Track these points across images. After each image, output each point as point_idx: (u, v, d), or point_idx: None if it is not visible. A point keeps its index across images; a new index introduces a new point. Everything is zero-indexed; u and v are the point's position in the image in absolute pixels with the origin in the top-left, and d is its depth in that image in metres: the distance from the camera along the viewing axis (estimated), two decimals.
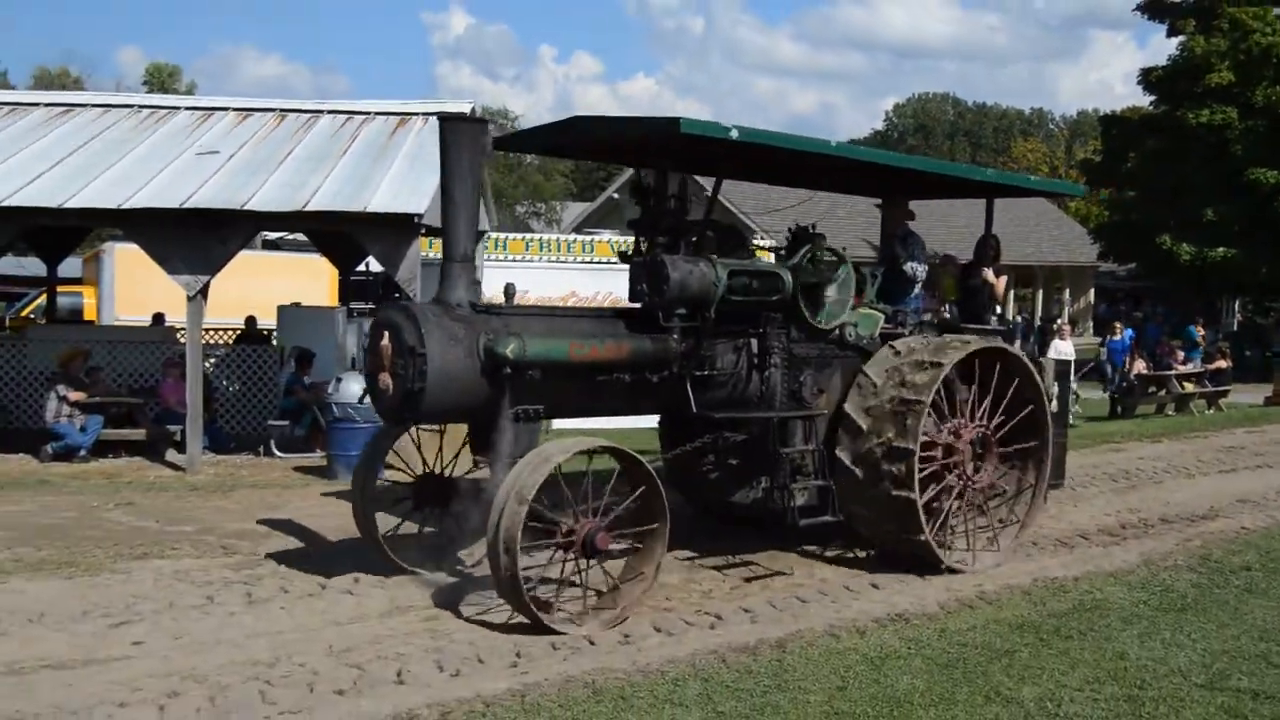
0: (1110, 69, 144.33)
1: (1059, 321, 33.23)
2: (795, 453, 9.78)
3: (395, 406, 8.44)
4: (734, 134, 8.97)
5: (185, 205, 14.40)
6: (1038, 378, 10.73)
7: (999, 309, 12.98)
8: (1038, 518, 11.12)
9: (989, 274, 12.21)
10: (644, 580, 8.55)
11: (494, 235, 20.72)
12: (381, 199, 14.61)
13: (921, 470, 9.68)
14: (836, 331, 10.29)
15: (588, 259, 20.82)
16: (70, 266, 26.74)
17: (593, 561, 8.24)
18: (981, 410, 10.19)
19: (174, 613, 8.40)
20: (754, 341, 9.79)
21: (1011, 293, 46.52)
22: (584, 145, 11.50)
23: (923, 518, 9.59)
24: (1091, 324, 51.69)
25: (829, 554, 10.64)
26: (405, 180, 15.28)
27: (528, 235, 23.17)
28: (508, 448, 8.37)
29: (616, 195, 38.10)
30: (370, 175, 15.39)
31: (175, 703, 6.75)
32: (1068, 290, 52.54)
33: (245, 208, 14.32)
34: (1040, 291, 50.71)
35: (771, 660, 7.62)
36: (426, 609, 8.63)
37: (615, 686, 7.07)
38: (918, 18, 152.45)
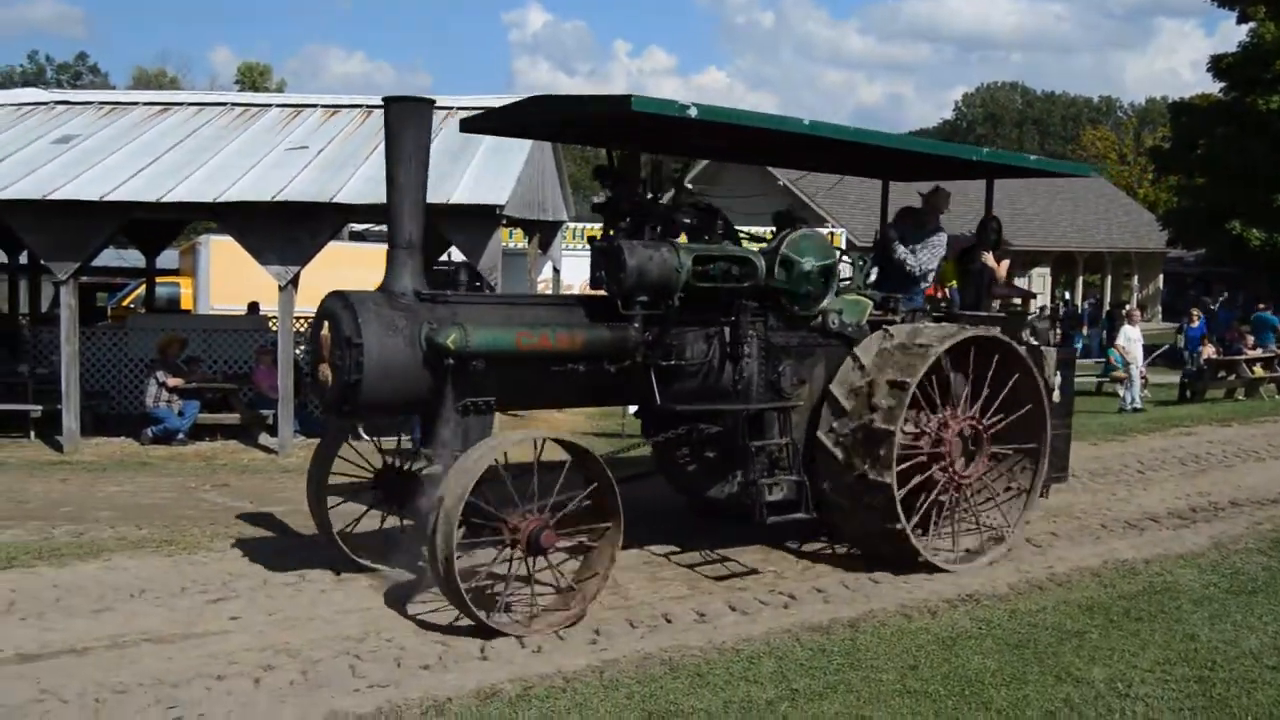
0: (1178, 56, 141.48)
1: (1128, 307, 32.63)
2: (767, 446, 9.08)
3: (334, 400, 7.94)
4: (693, 112, 8.16)
5: (276, 198, 14.56)
6: (1035, 369, 9.91)
7: (1034, 296, 12.49)
8: (1030, 516, 10.26)
9: (989, 258, 11.46)
10: (599, 578, 7.95)
11: (572, 225, 20.73)
12: (464, 191, 14.69)
13: (907, 463, 9.09)
14: (819, 319, 9.55)
15: None
16: (168, 258, 27.24)
17: (539, 560, 7.65)
18: (973, 402, 9.50)
19: (268, 589, 8.52)
20: (727, 330, 9.07)
21: (1047, 278, 45.85)
22: (549, 125, 10.44)
23: (899, 506, 8.85)
24: (1160, 310, 50.85)
25: None
26: (486, 172, 15.33)
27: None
28: (451, 441, 7.88)
29: (690, 185, 38.02)
30: (452, 169, 15.45)
31: (270, 675, 6.86)
32: (1136, 276, 51.63)
33: (333, 200, 14.45)
34: (1109, 278, 49.88)
35: (844, 639, 7.58)
36: None
37: (691, 663, 7.07)
38: (983, 9, 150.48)
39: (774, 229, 9.74)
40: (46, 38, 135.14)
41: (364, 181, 15.03)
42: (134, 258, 27.91)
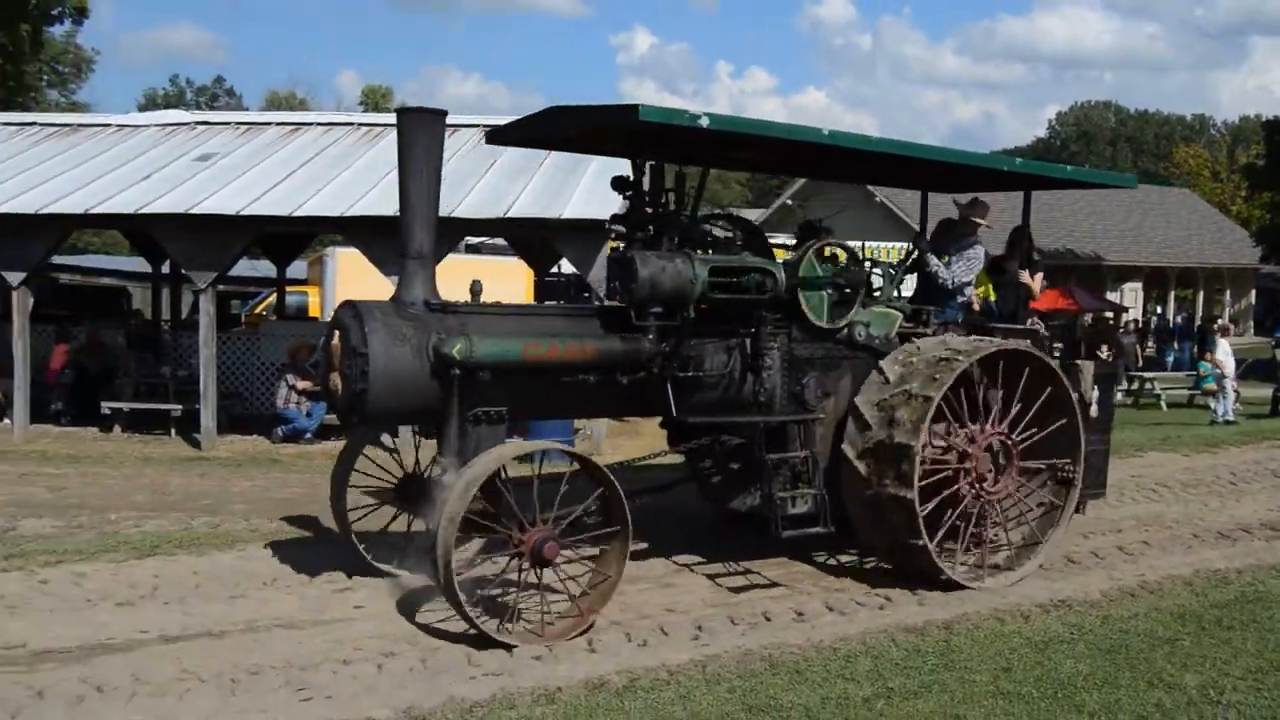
0: (1271, 74, 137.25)
1: (1220, 321, 31.87)
2: (786, 458, 8.63)
3: (344, 408, 7.75)
4: (704, 122, 7.70)
5: (399, 213, 14.80)
6: (1067, 383, 9.23)
7: (1125, 310, 11.97)
8: (1064, 532, 9.55)
9: (1024, 275, 10.84)
10: (607, 588, 7.61)
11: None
12: (575, 206, 14.83)
13: (933, 477, 8.59)
14: (844, 331, 9.03)
15: None
16: (297, 268, 27.81)
17: (544, 570, 7.35)
18: (1003, 416, 8.91)
19: (390, 581, 8.64)
20: (748, 342, 8.65)
21: (1139, 293, 44.83)
22: (569, 137, 9.70)
23: (920, 523, 8.35)
24: (1252, 324, 49.52)
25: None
26: (596, 189, 15.44)
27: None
28: (458, 451, 7.65)
29: (790, 202, 37.96)
30: (564, 185, 15.60)
31: (391, 662, 6.98)
32: (1228, 291, 50.36)
33: (453, 215, 14.65)
34: (1201, 293, 48.72)
35: (939, 640, 7.50)
36: None
37: (790, 660, 7.05)
38: (1077, 29, 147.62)
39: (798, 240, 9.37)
40: (187, 63, 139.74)
41: (481, 197, 15.25)
42: (266, 268, 28.60)
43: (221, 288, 20.51)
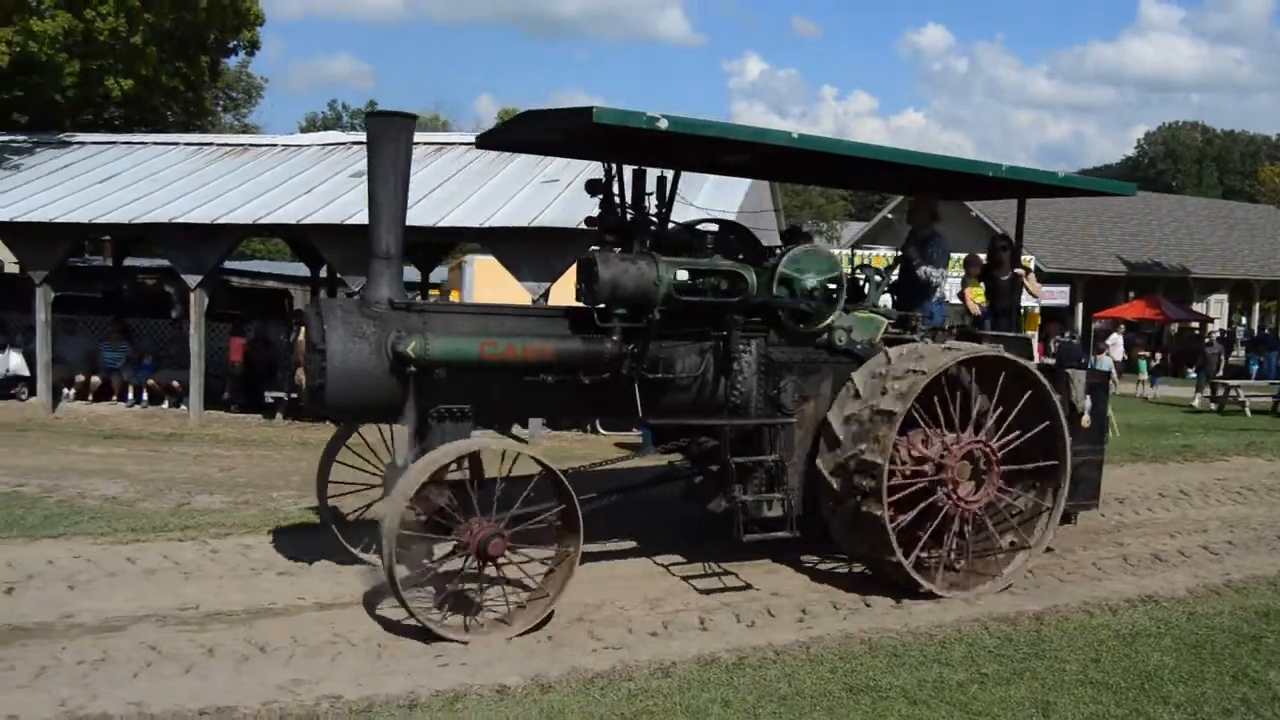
0: None
1: None
2: (758, 461, 8.07)
3: (307, 402, 7.47)
4: (663, 124, 7.15)
5: (532, 224, 14.97)
6: (1048, 386, 8.36)
7: (1211, 320, 11.23)
8: (1048, 541, 8.72)
9: (1023, 276, 10.35)
10: (557, 587, 7.12)
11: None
12: (696, 213, 14.76)
13: (910, 487, 7.91)
14: (825, 336, 8.44)
15: None
16: (438, 274, 28.21)
17: (494, 565, 6.95)
18: (980, 424, 8.15)
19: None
20: (721, 344, 8.09)
21: (1225, 304, 43.27)
22: (550, 140, 9.10)
23: (893, 539, 7.70)
24: None
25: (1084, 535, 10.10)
26: (713, 201, 15.38)
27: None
28: (412, 447, 7.32)
29: (890, 215, 37.38)
30: (687, 194, 15.57)
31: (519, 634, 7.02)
32: None
33: (580, 226, 14.72)
34: None
35: (1030, 630, 7.32)
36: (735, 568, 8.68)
37: (889, 644, 6.94)
38: (1165, 54, 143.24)
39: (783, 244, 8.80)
40: (342, 89, 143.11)
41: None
42: (410, 273, 29.04)
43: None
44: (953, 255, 10.35)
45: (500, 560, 6.92)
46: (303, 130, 55.72)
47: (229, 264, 24.93)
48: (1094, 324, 34.70)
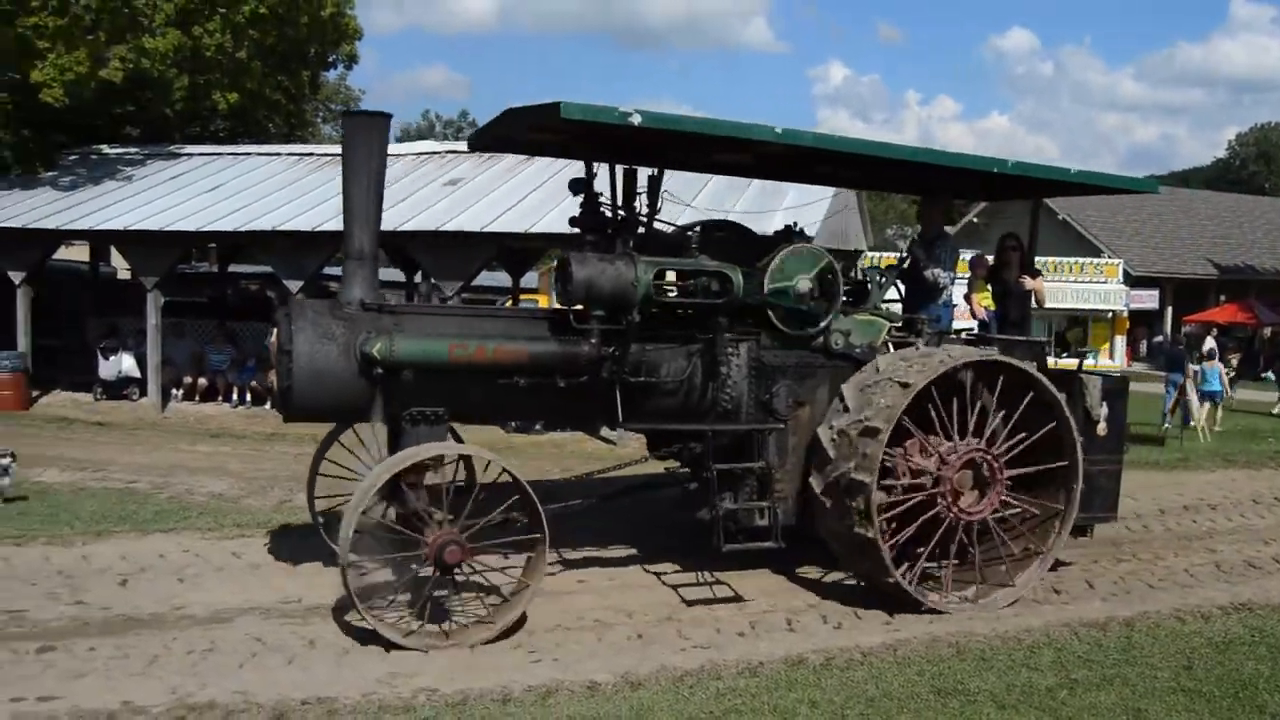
0: None
1: None
2: (748, 469, 7.63)
3: (277, 403, 7.28)
4: (635, 120, 6.78)
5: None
6: (1053, 390, 7.75)
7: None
8: (1061, 547, 8.09)
9: (1029, 281, 9.67)
10: (524, 597, 6.84)
11: (869, 254, 20.52)
12: (779, 221, 14.70)
13: (908, 501, 7.46)
14: (820, 339, 8.02)
15: None
16: (529, 278, 28.46)
17: (453, 573, 6.68)
18: (980, 430, 7.59)
19: (607, 557, 8.76)
20: (709, 347, 7.73)
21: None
22: (539, 140, 8.67)
23: (888, 559, 7.26)
24: None
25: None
26: (800, 206, 15.32)
27: (899, 254, 22.85)
28: (378, 448, 7.20)
29: (976, 219, 36.81)
30: (770, 201, 15.53)
31: (609, 632, 7.08)
32: None
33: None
34: None
35: (1120, 636, 7.14)
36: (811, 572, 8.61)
37: (976, 648, 6.83)
38: (1256, 54, 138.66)
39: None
40: (436, 99, 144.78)
41: (691, 214, 15.29)
42: (502, 278, 29.36)
43: (465, 295, 21.17)
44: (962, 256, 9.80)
45: (458, 569, 6.66)
46: (397, 140, 56.60)
47: (328, 270, 25.36)
48: (1184, 328, 33.80)
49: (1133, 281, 29.76)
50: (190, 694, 5.82)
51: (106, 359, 18.42)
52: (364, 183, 7.19)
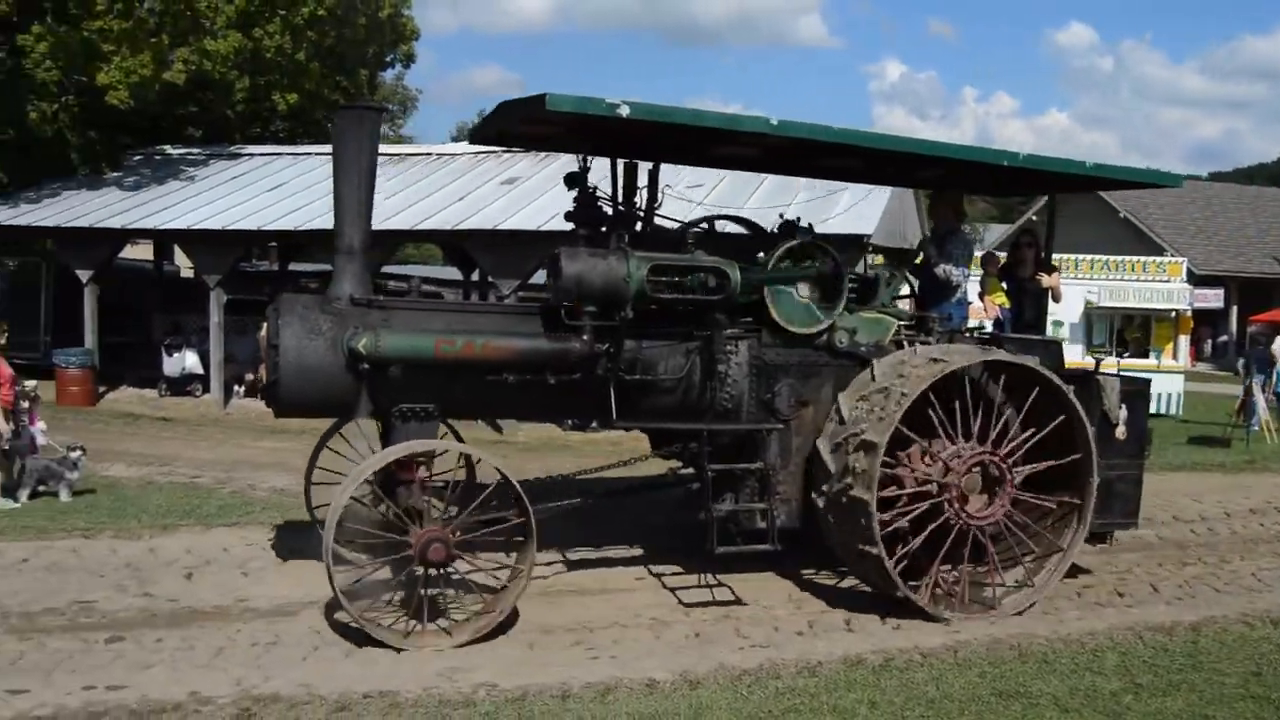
0: None
1: None
2: (748, 469, 7.49)
3: (265, 398, 7.27)
4: (624, 111, 6.65)
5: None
6: (1063, 389, 7.48)
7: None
8: (1078, 546, 7.79)
9: (1045, 279, 9.44)
10: (509, 596, 6.79)
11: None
12: (836, 222, 14.66)
13: (912, 511, 7.22)
14: (825, 337, 7.79)
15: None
16: None
17: (437, 570, 6.59)
18: (990, 433, 7.33)
19: (663, 557, 8.73)
20: (707, 344, 7.53)
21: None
22: (536, 134, 8.49)
23: (894, 573, 7.07)
24: None
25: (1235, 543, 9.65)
26: (858, 205, 15.26)
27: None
28: (365, 444, 7.11)
29: (1035, 218, 36.36)
30: (826, 201, 15.44)
31: (667, 630, 7.08)
32: None
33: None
34: None
35: (1186, 641, 7.01)
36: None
37: (1039, 650, 6.75)
38: None
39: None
40: (492, 99, 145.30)
41: (749, 212, 15.26)
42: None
43: (522, 293, 21.25)
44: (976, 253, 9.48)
45: (443, 567, 6.61)
46: (454, 139, 56.94)
47: (386, 269, 25.59)
48: (1249, 328, 33.14)
49: (1196, 280, 29.22)
50: (255, 685, 5.90)
51: (170, 356, 18.76)
52: (354, 178, 7.12)
